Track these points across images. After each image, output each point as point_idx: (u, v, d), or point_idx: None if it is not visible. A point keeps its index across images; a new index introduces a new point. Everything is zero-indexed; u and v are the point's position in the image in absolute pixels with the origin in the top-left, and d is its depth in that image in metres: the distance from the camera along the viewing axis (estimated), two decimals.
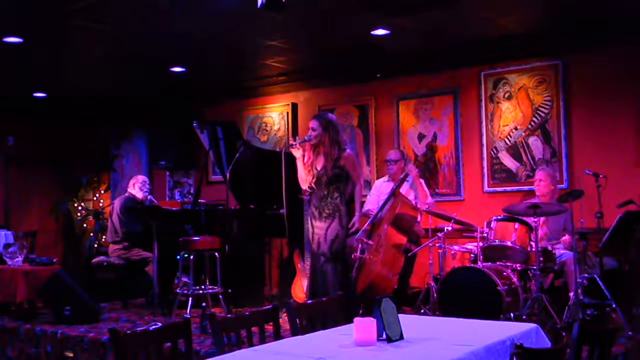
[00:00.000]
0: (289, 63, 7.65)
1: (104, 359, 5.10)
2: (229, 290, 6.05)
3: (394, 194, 5.71)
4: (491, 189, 6.97)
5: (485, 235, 5.42)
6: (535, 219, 5.09)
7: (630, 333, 4.75)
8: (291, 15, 5.60)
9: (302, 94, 8.38)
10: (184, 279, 6.34)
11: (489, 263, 5.31)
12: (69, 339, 5.39)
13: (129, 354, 2.50)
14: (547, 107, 6.67)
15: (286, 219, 5.83)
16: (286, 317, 3.22)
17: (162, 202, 8.08)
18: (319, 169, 5.31)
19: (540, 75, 6.72)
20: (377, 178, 7.10)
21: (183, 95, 9.03)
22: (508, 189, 6.84)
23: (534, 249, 5.10)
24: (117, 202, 7.19)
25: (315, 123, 5.35)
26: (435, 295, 5.47)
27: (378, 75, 7.73)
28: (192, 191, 9.26)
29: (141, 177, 7.36)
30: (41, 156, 9.64)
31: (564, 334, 4.48)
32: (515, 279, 5.13)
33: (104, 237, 9.31)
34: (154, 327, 2.65)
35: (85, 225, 10.03)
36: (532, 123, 6.75)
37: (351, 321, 2.70)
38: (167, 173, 9.69)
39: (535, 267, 5.07)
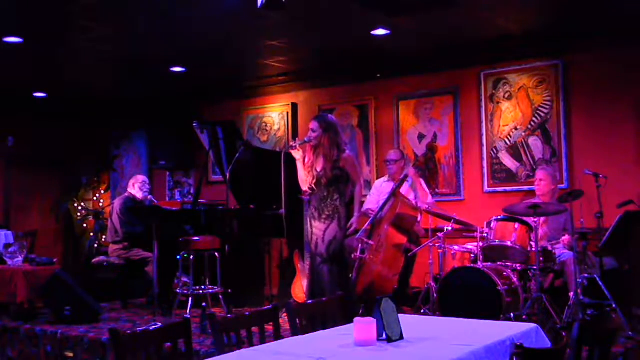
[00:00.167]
0: (289, 63, 7.65)
1: (104, 359, 5.09)
2: (229, 290, 6.05)
3: (394, 194, 5.71)
4: (491, 189, 6.97)
5: (485, 235, 5.41)
6: (535, 219, 5.09)
7: (630, 333, 4.75)
8: (291, 15, 5.61)
9: (302, 94, 8.38)
10: (184, 279, 6.35)
11: (489, 263, 5.31)
12: (69, 339, 5.38)
13: (129, 354, 2.50)
14: (547, 107, 6.67)
15: (285, 219, 5.82)
16: (286, 317, 3.22)
17: (162, 202, 8.09)
18: (318, 170, 5.32)
19: (540, 75, 6.72)
20: (377, 178, 7.11)
21: (183, 96, 9.03)
22: (508, 189, 6.84)
23: (534, 249, 5.10)
24: (117, 202, 7.18)
25: (315, 124, 5.36)
26: (435, 295, 5.46)
27: (378, 75, 7.73)
28: (192, 191, 9.26)
29: (141, 177, 7.35)
30: (41, 156, 9.63)
31: (564, 334, 4.45)
32: (515, 279, 5.13)
33: (104, 237, 9.29)
34: (154, 327, 2.64)
35: (85, 225, 10.02)
36: (532, 123, 6.75)
37: (351, 321, 2.70)
38: (167, 173, 9.68)
39: (535, 267, 5.07)
